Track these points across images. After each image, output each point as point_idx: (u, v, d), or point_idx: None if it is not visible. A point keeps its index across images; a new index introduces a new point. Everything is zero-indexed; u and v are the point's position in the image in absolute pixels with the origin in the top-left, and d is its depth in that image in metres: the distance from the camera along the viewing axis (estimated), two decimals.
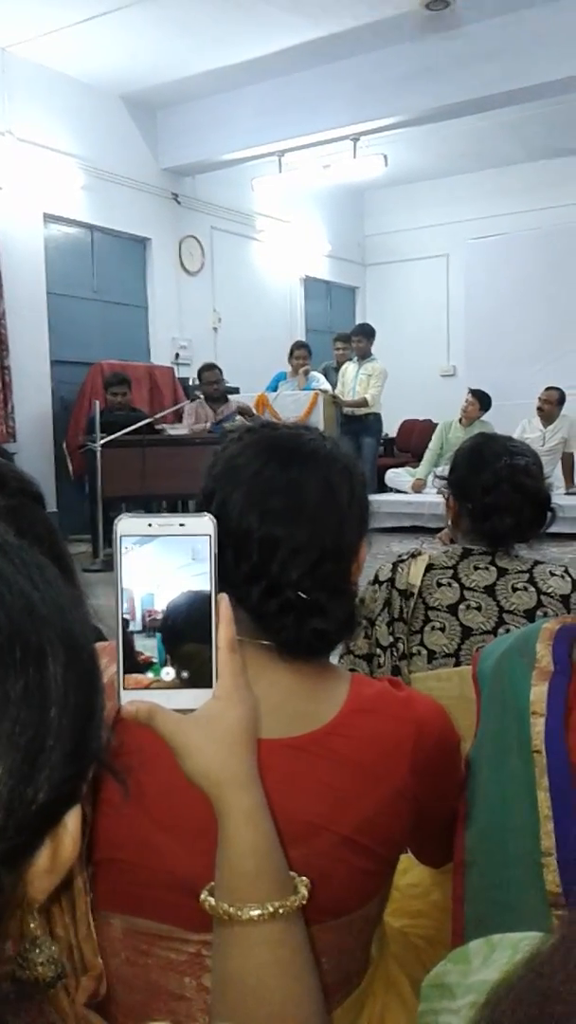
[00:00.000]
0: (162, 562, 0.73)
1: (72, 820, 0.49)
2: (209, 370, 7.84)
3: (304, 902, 0.76)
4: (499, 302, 10.06)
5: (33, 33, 7.04)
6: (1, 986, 0.50)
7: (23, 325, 7.56)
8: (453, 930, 1.02)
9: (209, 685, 0.73)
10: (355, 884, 0.92)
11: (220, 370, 7.91)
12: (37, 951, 0.74)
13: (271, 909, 0.73)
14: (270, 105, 8.16)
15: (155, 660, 0.73)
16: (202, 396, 7.88)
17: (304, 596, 0.92)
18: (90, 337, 8.45)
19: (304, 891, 0.76)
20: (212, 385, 7.79)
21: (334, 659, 1.54)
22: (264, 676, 0.94)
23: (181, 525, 0.73)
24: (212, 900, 0.75)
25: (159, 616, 0.73)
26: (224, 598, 0.74)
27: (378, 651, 1.70)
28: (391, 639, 1.67)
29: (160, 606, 0.73)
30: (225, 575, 0.93)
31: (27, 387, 7.61)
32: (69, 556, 1.35)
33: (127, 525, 0.72)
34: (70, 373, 8.09)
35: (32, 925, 0.73)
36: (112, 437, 6.76)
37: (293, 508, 0.93)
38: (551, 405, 8.39)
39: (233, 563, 0.92)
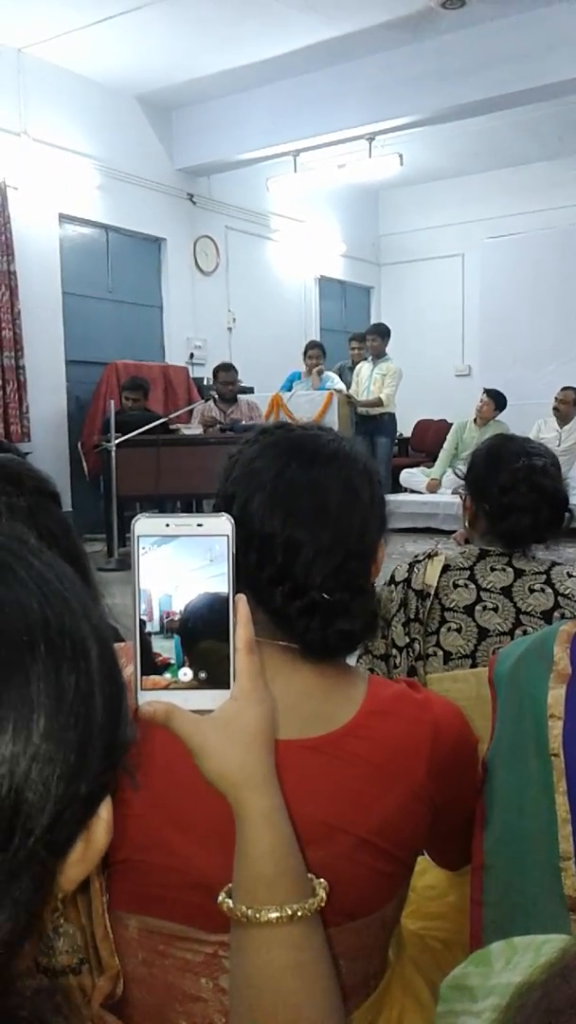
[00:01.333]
0: (180, 563, 0.72)
1: (104, 809, 0.50)
2: (226, 370, 7.81)
3: (323, 904, 0.76)
4: (514, 302, 10.03)
5: (48, 34, 7.06)
6: (41, 981, 0.51)
7: (38, 325, 7.58)
8: (471, 933, 1.02)
9: (227, 686, 0.73)
10: (372, 886, 0.92)
11: (236, 371, 7.90)
12: (60, 940, 0.75)
13: (289, 911, 0.73)
14: (285, 105, 8.16)
15: (173, 661, 0.73)
16: (216, 395, 7.86)
17: (328, 597, 0.91)
18: (105, 337, 8.47)
19: (322, 893, 0.76)
20: (228, 386, 7.77)
21: (352, 660, 1.53)
22: (281, 677, 0.94)
23: (199, 525, 0.73)
24: (230, 902, 0.75)
25: (177, 617, 0.72)
26: (242, 599, 0.74)
27: (394, 652, 1.69)
28: (407, 640, 1.67)
29: (178, 607, 0.72)
30: (247, 578, 0.93)
31: (42, 387, 7.64)
32: (85, 555, 1.36)
33: (145, 525, 0.72)
34: (85, 373, 8.11)
35: (56, 914, 0.73)
36: (127, 437, 6.77)
37: (317, 510, 0.92)
38: (567, 405, 8.35)
39: (256, 566, 0.92)
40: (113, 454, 6.71)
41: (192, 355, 9.29)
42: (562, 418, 8.37)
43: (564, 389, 8.40)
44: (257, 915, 0.73)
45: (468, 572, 1.70)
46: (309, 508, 0.92)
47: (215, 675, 0.73)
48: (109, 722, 0.47)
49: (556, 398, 8.40)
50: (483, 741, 1.08)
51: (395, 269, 12.11)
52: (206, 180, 9.32)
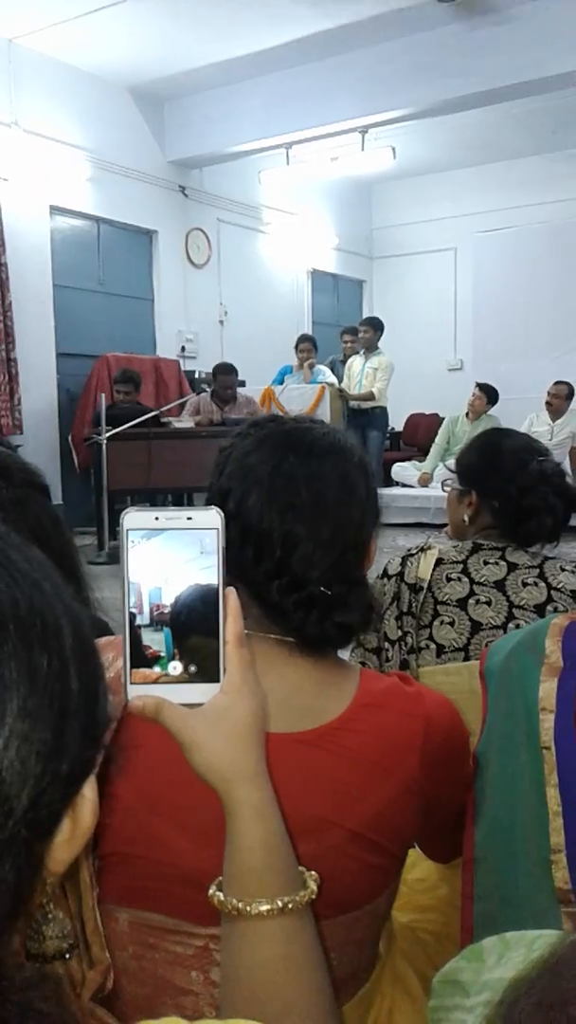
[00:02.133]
0: (169, 556, 0.72)
1: (89, 789, 0.50)
2: (225, 372, 7.71)
3: (313, 897, 0.76)
4: (507, 296, 10.02)
5: (40, 24, 7.02)
6: (29, 970, 0.50)
7: (29, 317, 7.55)
8: (462, 926, 1.02)
9: (217, 679, 0.73)
10: (364, 879, 0.92)
11: (236, 373, 7.84)
12: (49, 924, 0.74)
13: (280, 904, 0.73)
14: (278, 97, 8.13)
15: (163, 654, 0.72)
16: (209, 392, 7.81)
17: (327, 591, 0.91)
18: (96, 330, 8.44)
19: (313, 886, 0.76)
20: (227, 389, 7.69)
21: (344, 653, 1.53)
22: (273, 670, 0.93)
23: (188, 519, 0.72)
24: (220, 895, 0.74)
25: (167, 610, 0.72)
26: (232, 592, 0.74)
27: (386, 645, 1.69)
28: (400, 633, 1.67)
29: (168, 600, 0.72)
30: (244, 572, 0.93)
31: (33, 379, 7.61)
32: (75, 547, 1.35)
33: (134, 519, 0.72)
34: (76, 365, 8.09)
35: (44, 899, 0.73)
36: (118, 430, 6.76)
37: (315, 504, 0.92)
38: (560, 399, 8.37)
39: (253, 560, 0.92)
40: (104, 447, 6.70)
41: (183, 348, 9.27)
42: (554, 412, 8.39)
43: (557, 383, 8.42)
44: (248, 908, 0.72)
45: (461, 566, 1.70)
46: (307, 502, 0.92)
47: (205, 668, 0.73)
48: (86, 700, 0.47)
49: (548, 392, 8.41)
50: (475, 734, 1.08)
51: (387, 263, 12.10)
52: (198, 172, 9.30)
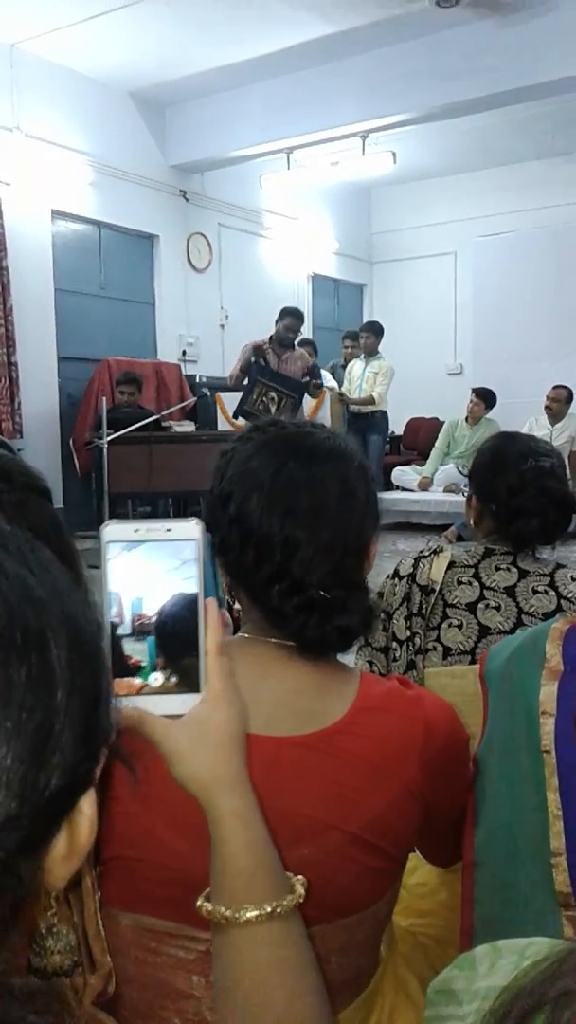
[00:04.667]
0: (150, 566, 0.73)
1: (88, 804, 0.48)
2: (293, 315, 7.42)
3: (301, 900, 0.76)
4: (507, 300, 10.03)
5: (42, 29, 7.03)
6: (27, 982, 0.50)
7: (30, 321, 7.56)
8: (462, 931, 1.02)
9: (198, 689, 0.74)
10: (364, 883, 0.92)
11: (303, 320, 7.62)
12: (53, 940, 0.74)
13: (268, 909, 0.73)
14: (279, 102, 8.14)
15: (144, 664, 0.72)
16: (272, 337, 7.46)
17: (326, 595, 0.91)
18: (97, 334, 8.45)
19: (301, 889, 0.77)
20: (291, 332, 7.39)
21: (352, 652, 1.54)
22: (274, 674, 0.94)
23: (168, 530, 0.73)
24: (208, 905, 0.75)
25: (148, 620, 0.72)
26: (212, 602, 0.75)
27: (394, 645, 1.70)
28: (408, 633, 1.68)
29: (149, 610, 0.72)
30: (245, 576, 0.93)
31: (34, 383, 7.62)
32: (75, 551, 1.35)
33: (113, 531, 0.72)
34: (77, 369, 8.09)
35: (50, 913, 0.73)
36: (119, 434, 6.76)
37: (315, 508, 0.93)
38: (559, 403, 8.37)
39: (253, 564, 0.92)
40: (105, 451, 6.70)
41: (184, 352, 9.27)
42: (554, 416, 8.39)
43: (556, 387, 8.42)
44: (237, 915, 0.73)
45: (472, 570, 1.70)
46: (308, 506, 0.92)
47: (186, 679, 0.73)
48: (80, 712, 0.45)
49: (548, 396, 8.42)
50: (476, 738, 1.08)
51: (387, 267, 12.11)
52: (199, 177, 9.30)
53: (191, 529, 0.73)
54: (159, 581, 0.72)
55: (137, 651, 0.72)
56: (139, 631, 0.72)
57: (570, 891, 0.91)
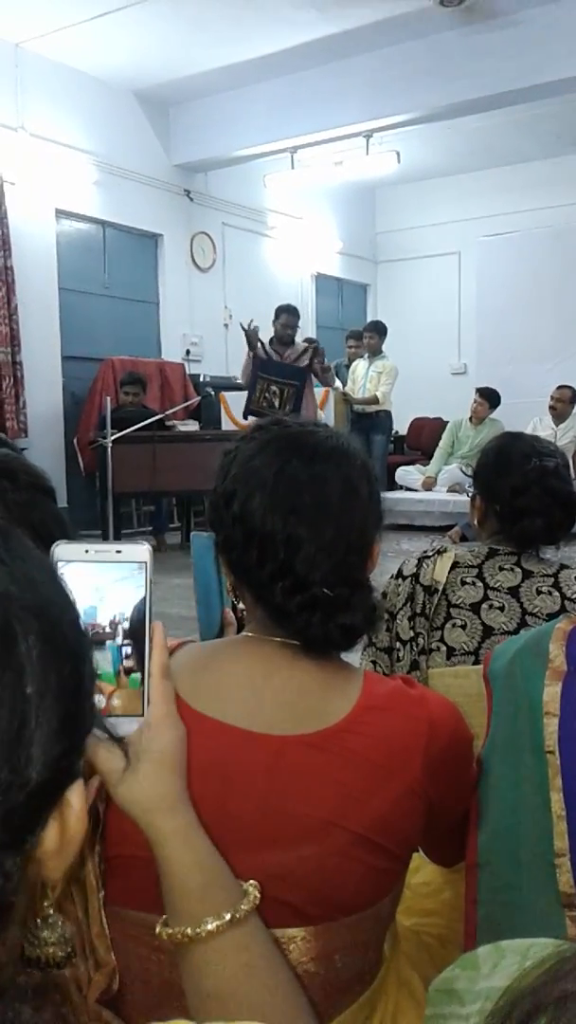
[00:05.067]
0: (102, 576, 0.73)
1: (76, 797, 0.48)
2: (287, 312, 7.57)
3: (257, 902, 0.77)
4: (511, 300, 10.03)
5: (46, 29, 7.04)
6: (17, 978, 0.49)
7: (35, 321, 7.57)
8: (465, 931, 1.02)
9: (141, 713, 0.74)
10: (368, 882, 0.92)
11: (299, 315, 7.72)
12: (48, 930, 0.74)
13: (228, 917, 0.74)
14: (283, 101, 8.14)
15: (101, 672, 0.73)
16: (271, 339, 7.56)
17: (330, 593, 0.92)
18: (101, 333, 8.45)
19: (254, 892, 0.78)
20: (287, 329, 7.53)
21: (355, 652, 1.54)
22: (278, 673, 0.94)
23: (118, 552, 0.74)
24: (168, 930, 0.76)
25: (102, 629, 0.73)
26: (158, 625, 0.75)
27: (398, 645, 1.70)
28: (412, 633, 1.68)
29: (103, 619, 0.73)
30: (248, 574, 0.94)
31: (38, 383, 7.62)
32: None
33: (64, 551, 0.73)
34: (81, 369, 8.10)
35: (45, 903, 0.73)
36: (123, 433, 6.77)
37: (318, 507, 0.93)
38: (563, 403, 8.37)
39: (257, 563, 0.92)
40: (109, 450, 6.71)
41: (188, 351, 9.28)
42: (558, 416, 8.39)
43: (560, 387, 8.42)
44: (197, 930, 0.74)
45: (476, 570, 1.70)
46: (311, 505, 0.93)
47: (129, 702, 0.75)
48: (56, 704, 0.44)
49: (552, 396, 8.42)
50: (481, 738, 1.08)
51: (392, 267, 12.11)
52: (203, 176, 9.31)
53: (141, 552, 0.74)
54: (112, 591, 0.73)
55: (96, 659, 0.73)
56: (94, 640, 0.72)
57: (574, 891, 0.91)
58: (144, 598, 0.74)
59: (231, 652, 0.98)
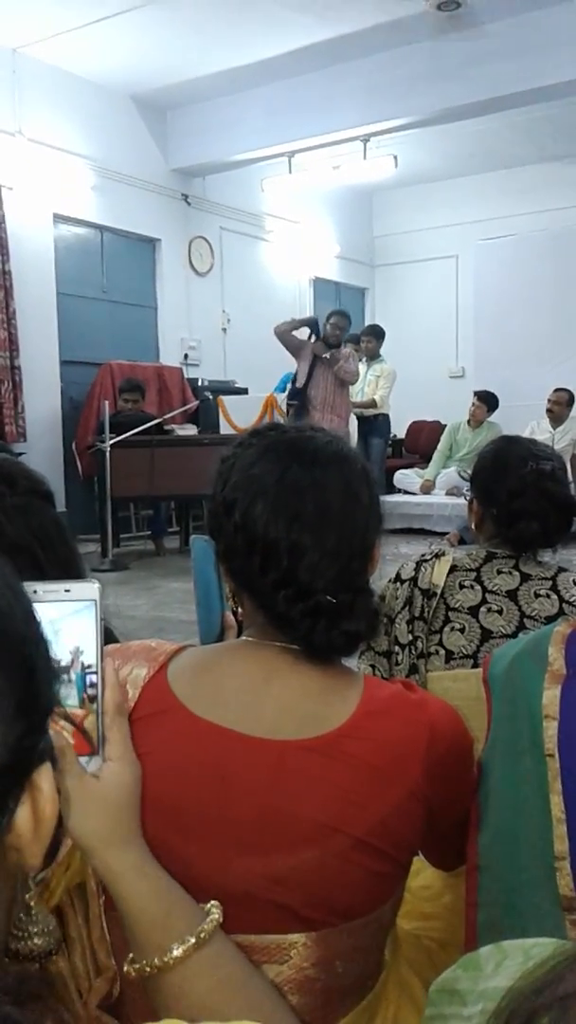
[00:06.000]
0: (55, 615, 0.72)
1: (45, 780, 0.48)
2: (339, 315, 7.76)
3: (220, 921, 0.77)
4: (508, 303, 10.04)
5: (44, 34, 7.05)
6: (22, 970, 0.50)
7: (33, 325, 7.57)
8: (466, 935, 1.02)
9: (95, 751, 0.75)
10: (369, 886, 0.92)
11: (350, 320, 7.93)
12: (32, 922, 0.74)
13: (193, 940, 0.75)
14: (280, 106, 8.16)
15: (66, 702, 0.73)
16: (321, 339, 7.74)
17: (333, 600, 0.92)
18: (99, 337, 8.46)
19: (215, 912, 0.78)
20: (337, 330, 7.70)
21: (355, 656, 1.54)
22: (278, 678, 0.94)
23: (67, 591, 0.73)
24: (136, 965, 0.76)
25: (60, 662, 0.72)
26: (110, 663, 0.75)
27: (396, 649, 1.70)
28: (410, 637, 1.68)
29: (61, 652, 0.72)
30: (250, 582, 0.93)
31: (37, 387, 7.63)
32: (78, 554, 1.35)
33: None
34: (79, 373, 8.10)
35: (27, 896, 0.73)
36: (121, 437, 6.77)
37: (321, 513, 0.93)
38: (560, 406, 8.38)
39: (259, 571, 0.92)
40: (107, 454, 6.71)
41: (186, 356, 9.28)
42: (555, 419, 8.40)
43: (557, 390, 8.43)
44: (166, 959, 0.74)
45: (475, 574, 1.70)
46: (313, 511, 0.93)
47: (83, 740, 0.75)
48: (10, 688, 0.45)
49: (549, 399, 8.42)
50: (480, 741, 1.08)
51: (389, 270, 12.12)
52: (201, 181, 9.32)
53: (90, 590, 0.73)
54: (66, 624, 0.73)
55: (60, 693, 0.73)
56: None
57: (574, 894, 0.91)
58: (95, 636, 0.73)
59: (231, 656, 0.98)
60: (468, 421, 8.85)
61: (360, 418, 8.66)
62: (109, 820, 0.75)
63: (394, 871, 0.95)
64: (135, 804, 0.78)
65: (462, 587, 1.69)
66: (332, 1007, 0.92)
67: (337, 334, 7.60)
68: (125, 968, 0.77)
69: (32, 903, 0.77)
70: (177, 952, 0.74)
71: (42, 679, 0.48)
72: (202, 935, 0.75)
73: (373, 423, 8.70)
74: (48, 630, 0.72)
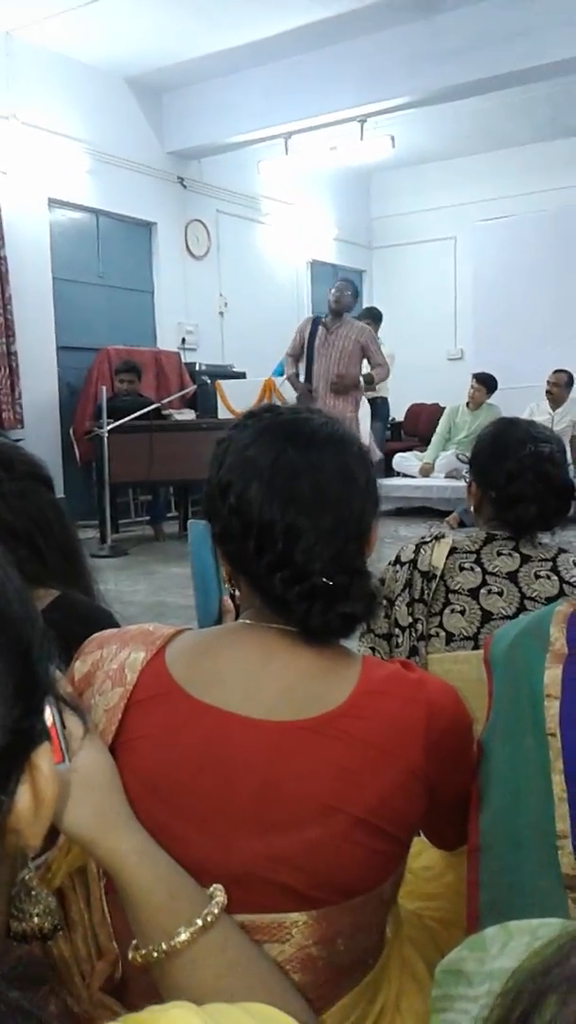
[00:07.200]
0: None
1: (43, 760, 0.48)
2: (343, 281, 7.32)
3: (225, 903, 0.77)
4: (507, 284, 10.00)
5: (38, 16, 6.99)
6: (27, 954, 0.50)
7: (29, 311, 7.54)
8: (468, 914, 1.02)
9: (64, 758, 0.74)
10: (370, 865, 0.92)
11: (356, 289, 7.38)
12: (32, 903, 0.74)
13: (200, 923, 0.74)
14: (276, 87, 8.10)
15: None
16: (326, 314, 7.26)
17: (329, 582, 0.91)
18: (96, 322, 8.43)
19: (220, 895, 0.78)
20: (338, 296, 7.11)
21: (354, 638, 1.54)
22: (277, 659, 0.94)
23: None
24: (141, 951, 0.76)
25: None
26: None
27: (396, 631, 1.70)
28: (410, 619, 1.68)
29: None
30: (246, 565, 0.93)
31: (33, 373, 7.61)
32: (77, 539, 1.34)
33: None
34: (76, 359, 8.08)
35: (28, 876, 0.73)
36: (119, 423, 6.76)
37: (316, 495, 0.92)
38: (559, 388, 8.36)
39: (255, 554, 0.92)
40: (105, 440, 6.70)
41: (184, 340, 9.25)
42: (555, 401, 8.38)
43: (556, 372, 8.41)
44: (173, 943, 0.74)
45: (474, 556, 1.70)
46: (309, 493, 0.92)
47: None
48: (8, 669, 0.45)
49: (548, 381, 8.40)
50: (480, 722, 1.08)
51: (387, 252, 12.07)
52: (197, 163, 9.27)
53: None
54: None
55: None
56: None
57: None
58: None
59: (229, 639, 0.98)
60: (467, 403, 8.84)
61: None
62: (101, 803, 0.75)
63: (395, 849, 0.95)
64: (118, 784, 0.78)
65: (462, 569, 1.69)
66: (335, 985, 0.92)
67: (338, 297, 7.11)
68: (130, 955, 0.76)
69: (32, 884, 0.77)
70: (184, 936, 0.74)
71: (38, 659, 0.48)
72: (209, 918, 0.75)
73: (372, 406, 8.67)
74: None
